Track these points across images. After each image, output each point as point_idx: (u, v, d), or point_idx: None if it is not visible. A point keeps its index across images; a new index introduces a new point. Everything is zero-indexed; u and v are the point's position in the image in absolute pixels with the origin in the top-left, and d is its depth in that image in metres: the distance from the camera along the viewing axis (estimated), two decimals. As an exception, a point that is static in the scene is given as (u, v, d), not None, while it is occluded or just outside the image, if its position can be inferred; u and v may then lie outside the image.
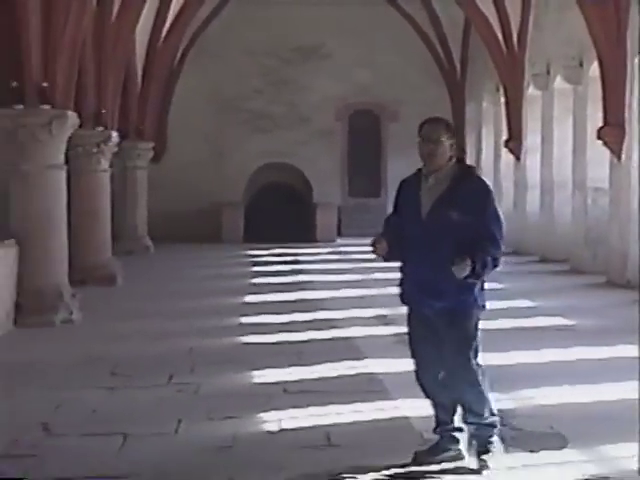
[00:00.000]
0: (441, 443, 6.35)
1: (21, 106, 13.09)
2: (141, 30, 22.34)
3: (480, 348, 6.37)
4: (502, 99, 24.59)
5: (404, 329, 12.13)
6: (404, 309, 14.40)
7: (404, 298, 6.60)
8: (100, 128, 18.27)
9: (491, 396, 6.35)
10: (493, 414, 6.31)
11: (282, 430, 7.26)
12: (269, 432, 7.24)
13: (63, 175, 13.98)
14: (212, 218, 27.84)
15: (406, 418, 7.52)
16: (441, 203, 6.18)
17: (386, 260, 6.55)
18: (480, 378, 6.27)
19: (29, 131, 13.11)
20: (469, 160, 29.64)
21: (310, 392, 8.56)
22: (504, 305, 14.03)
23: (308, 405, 8.00)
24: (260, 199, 29.13)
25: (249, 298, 15.52)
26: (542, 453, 6.52)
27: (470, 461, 6.22)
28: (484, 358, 9.83)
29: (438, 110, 29.13)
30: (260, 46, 29.15)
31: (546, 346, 10.66)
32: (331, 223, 28.25)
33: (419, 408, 7.74)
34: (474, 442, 6.30)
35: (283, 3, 28.58)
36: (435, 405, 6.44)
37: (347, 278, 18.45)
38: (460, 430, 6.38)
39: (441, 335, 6.29)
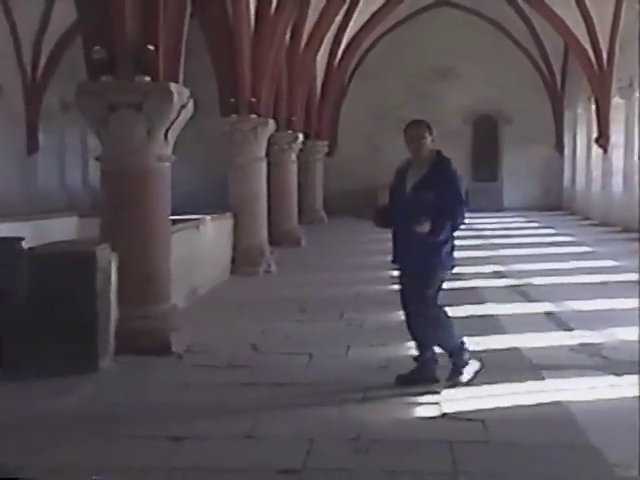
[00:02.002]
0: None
1: (236, 116, 13.44)
2: (321, 58, 22.61)
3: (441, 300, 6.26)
4: (593, 106, 24.01)
5: (516, 281, 12.10)
6: (516, 266, 14.24)
7: (394, 260, 6.38)
8: (290, 131, 18.60)
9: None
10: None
11: (423, 355, 7.36)
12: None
13: (264, 166, 14.29)
14: (370, 196, 27.84)
15: (517, 349, 7.46)
16: (419, 185, 6.09)
17: (385, 227, 6.39)
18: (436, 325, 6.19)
19: (241, 134, 13.46)
20: (567, 152, 29.19)
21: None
22: (594, 264, 13.77)
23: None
24: (406, 183, 29.06)
25: (398, 257, 15.54)
26: (625, 377, 6.39)
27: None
28: (579, 305, 9.76)
29: (542, 115, 29.01)
30: (407, 68, 28.96)
31: (627, 296, 10.34)
32: (460, 201, 28.05)
33: (529, 340, 7.78)
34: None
35: (425, 35, 28.48)
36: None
37: (471, 242, 18.31)
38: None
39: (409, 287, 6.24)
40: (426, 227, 5.87)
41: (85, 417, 5.56)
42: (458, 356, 6.26)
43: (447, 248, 6.15)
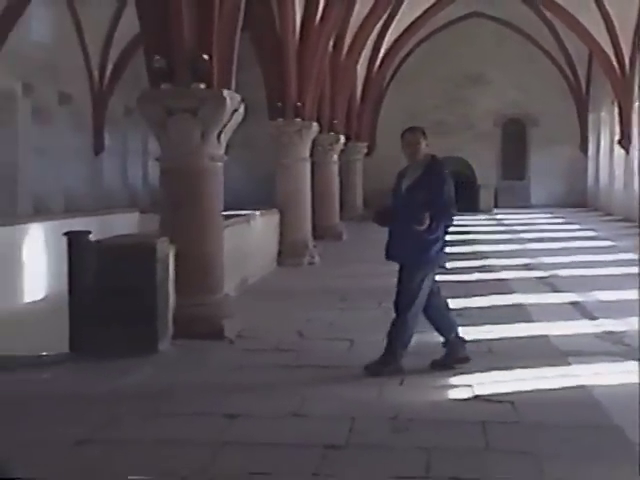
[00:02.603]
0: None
1: (282, 119, 13.46)
2: (361, 65, 22.56)
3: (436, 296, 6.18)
4: (616, 110, 23.69)
5: (543, 273, 11.97)
6: (543, 259, 14.08)
7: (387, 256, 6.31)
8: (332, 133, 18.57)
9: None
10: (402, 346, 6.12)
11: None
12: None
13: (308, 166, 14.29)
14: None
15: (545, 336, 7.39)
16: (413, 186, 6.09)
17: (386, 226, 6.32)
18: (411, 317, 6.08)
19: (288, 136, 13.48)
20: (590, 152, 28.87)
21: (474, 316, 8.44)
22: (616, 257, 13.58)
23: (473, 325, 7.91)
24: (439, 181, 28.92)
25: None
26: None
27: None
28: (603, 295, 9.60)
29: (567, 118, 28.70)
30: (441, 74, 28.84)
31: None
32: (490, 198, 27.82)
33: (555, 328, 7.69)
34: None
35: (458, 44, 28.31)
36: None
37: (501, 237, 18.18)
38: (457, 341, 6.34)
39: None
40: (425, 223, 5.84)
41: (146, 394, 5.62)
42: (390, 354, 6.11)
43: (437, 247, 6.09)
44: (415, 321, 6.17)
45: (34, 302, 11.26)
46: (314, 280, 11.61)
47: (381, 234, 6.65)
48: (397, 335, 6.15)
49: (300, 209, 13.76)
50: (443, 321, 6.34)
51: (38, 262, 11.69)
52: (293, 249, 13.27)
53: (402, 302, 6.14)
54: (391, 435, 4.70)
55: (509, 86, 28.79)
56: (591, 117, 28.80)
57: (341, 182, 19.94)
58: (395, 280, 6.30)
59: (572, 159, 29.40)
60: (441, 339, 6.39)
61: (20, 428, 4.88)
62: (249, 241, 11.15)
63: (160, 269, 6.85)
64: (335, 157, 18.81)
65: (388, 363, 6.09)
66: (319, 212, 16.67)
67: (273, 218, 13.31)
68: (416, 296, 6.09)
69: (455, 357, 6.25)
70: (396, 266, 6.37)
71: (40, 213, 16.86)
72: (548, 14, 25.05)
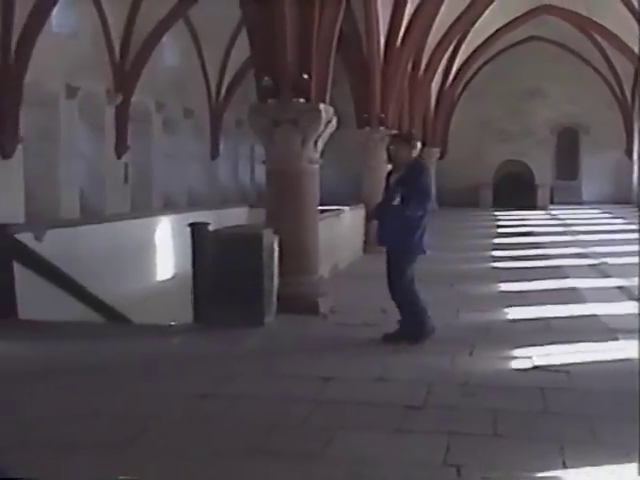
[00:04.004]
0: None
1: (369, 128, 13.40)
2: (435, 82, 22.28)
3: (414, 278, 6.14)
4: (659, 119, 22.73)
5: (595, 261, 11.57)
6: (593, 248, 13.63)
7: (379, 242, 6.28)
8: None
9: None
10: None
11: (518, 320, 7.08)
12: (510, 320, 7.10)
13: (389, 167, 14.18)
14: (473, 192, 27.50)
15: (596, 315, 7.15)
16: (396, 183, 6.02)
17: (379, 220, 6.30)
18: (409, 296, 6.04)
19: (373, 142, 13.43)
20: (635, 156, 27.82)
21: (533, 297, 8.30)
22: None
23: (533, 304, 7.76)
24: (503, 181, 28.34)
25: (496, 240, 15.13)
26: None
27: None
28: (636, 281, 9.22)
29: (615, 126, 27.72)
30: (504, 89, 28.20)
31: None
32: (546, 196, 27.02)
33: (606, 309, 7.44)
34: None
35: (519, 63, 27.66)
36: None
37: (556, 230, 17.67)
38: None
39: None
40: (396, 199, 5.89)
41: (254, 359, 5.67)
42: (412, 324, 6.06)
43: (419, 233, 6.09)
44: (417, 292, 6.16)
45: (165, 281, 11.57)
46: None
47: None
48: (416, 309, 6.13)
49: (383, 204, 13.67)
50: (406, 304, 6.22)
51: (168, 248, 12.00)
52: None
53: (397, 286, 6.10)
54: (462, 398, 4.61)
55: (564, 99, 28.07)
56: (636, 126, 27.84)
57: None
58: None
59: (619, 162, 28.48)
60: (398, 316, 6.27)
61: (155, 383, 5.01)
62: (339, 232, 11.15)
63: (266, 255, 6.89)
64: (412, 161, 18.63)
65: (422, 330, 6.06)
66: (398, 207, 16.52)
67: (360, 212, 13.23)
68: (406, 277, 6.09)
69: (405, 335, 6.09)
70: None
71: (169, 207, 17.32)
72: (598, 37, 24.26)
